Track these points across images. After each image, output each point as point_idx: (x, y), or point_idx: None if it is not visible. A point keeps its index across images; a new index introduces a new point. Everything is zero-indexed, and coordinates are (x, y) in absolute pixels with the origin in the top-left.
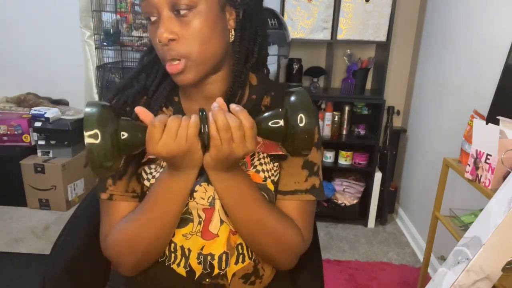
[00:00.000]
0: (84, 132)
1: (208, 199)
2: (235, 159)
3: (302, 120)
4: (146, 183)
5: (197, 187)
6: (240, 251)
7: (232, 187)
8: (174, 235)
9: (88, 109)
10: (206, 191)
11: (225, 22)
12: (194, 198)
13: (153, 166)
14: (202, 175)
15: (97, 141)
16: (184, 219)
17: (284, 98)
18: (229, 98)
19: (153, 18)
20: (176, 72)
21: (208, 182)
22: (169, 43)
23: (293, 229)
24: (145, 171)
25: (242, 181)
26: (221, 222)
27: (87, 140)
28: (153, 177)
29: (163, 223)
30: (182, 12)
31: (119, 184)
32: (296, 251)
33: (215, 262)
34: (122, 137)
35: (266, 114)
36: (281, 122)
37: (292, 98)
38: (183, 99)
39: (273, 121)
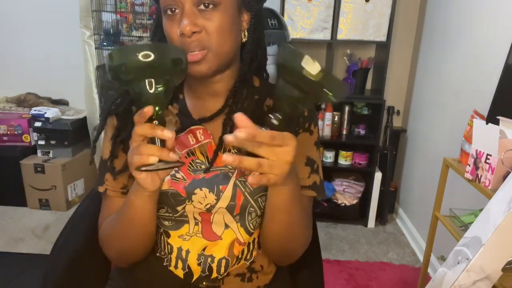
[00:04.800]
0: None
1: (205, 205)
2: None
3: (302, 68)
4: None
5: (197, 190)
6: (240, 256)
7: (291, 189)
8: (170, 236)
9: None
10: (206, 197)
11: (240, 23)
12: (192, 201)
13: None
14: (204, 178)
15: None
16: (178, 221)
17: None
18: (234, 96)
19: (172, 11)
20: (195, 60)
21: (210, 189)
22: (192, 35)
23: (311, 223)
24: None
25: (296, 182)
26: (226, 226)
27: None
28: None
29: (128, 234)
30: (205, 8)
31: (118, 179)
32: (308, 245)
33: (214, 266)
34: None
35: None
36: (289, 90)
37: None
38: (188, 96)
39: (282, 99)
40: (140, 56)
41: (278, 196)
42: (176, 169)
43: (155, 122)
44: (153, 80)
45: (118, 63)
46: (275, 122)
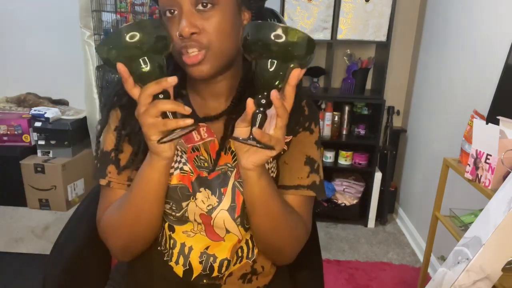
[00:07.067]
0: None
1: (207, 206)
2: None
3: (279, 36)
4: None
5: (201, 189)
6: (240, 254)
7: (266, 180)
8: (174, 231)
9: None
10: (209, 198)
11: (241, 22)
12: (196, 199)
13: None
14: (207, 177)
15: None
16: (181, 219)
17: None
18: (238, 96)
19: (171, 13)
20: (195, 62)
21: (213, 192)
22: (191, 36)
23: (301, 221)
24: None
25: (269, 175)
26: (227, 231)
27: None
28: None
29: (139, 209)
30: (204, 8)
31: (122, 174)
32: (303, 242)
33: (216, 266)
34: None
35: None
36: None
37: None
38: (191, 94)
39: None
40: (127, 38)
41: (251, 190)
42: (184, 161)
43: (161, 96)
44: (146, 58)
45: (108, 54)
46: (263, 101)
